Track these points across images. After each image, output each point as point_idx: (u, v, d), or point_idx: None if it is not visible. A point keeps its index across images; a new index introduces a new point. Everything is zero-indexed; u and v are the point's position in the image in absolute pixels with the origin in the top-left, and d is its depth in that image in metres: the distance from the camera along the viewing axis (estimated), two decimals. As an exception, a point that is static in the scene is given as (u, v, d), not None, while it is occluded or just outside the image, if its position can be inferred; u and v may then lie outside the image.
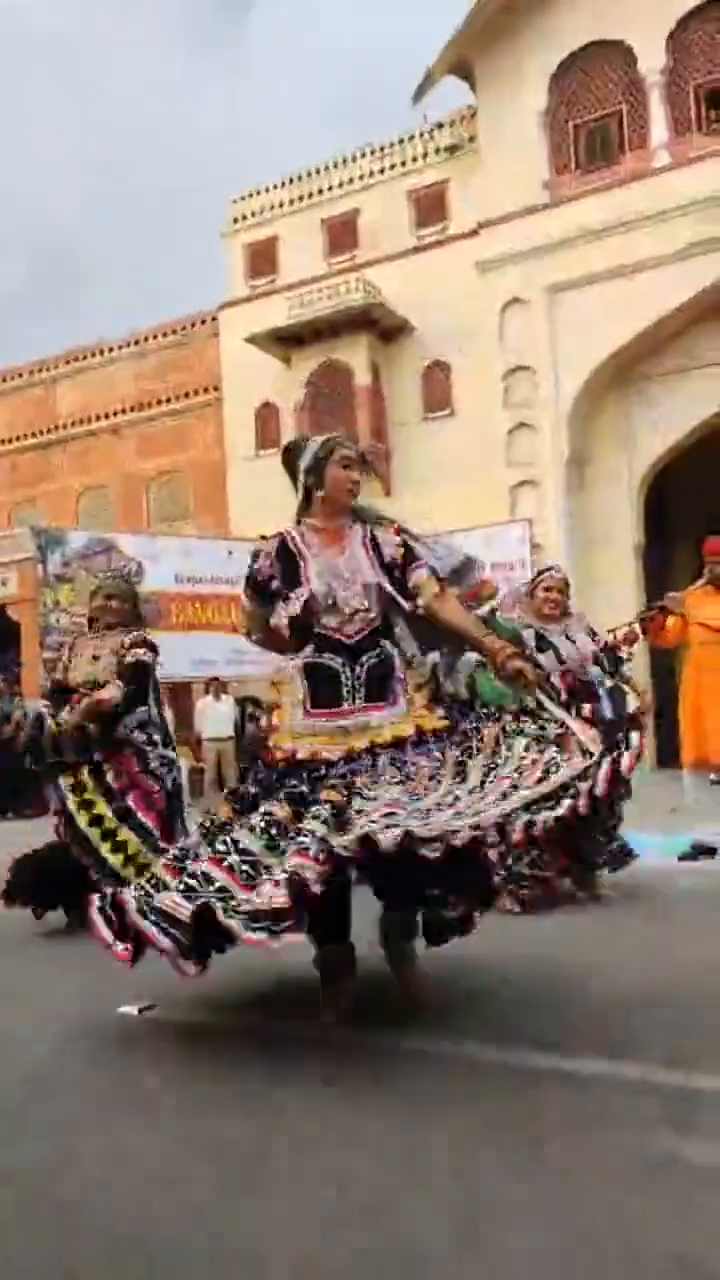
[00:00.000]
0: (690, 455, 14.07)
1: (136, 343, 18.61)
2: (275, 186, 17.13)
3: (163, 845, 3.41)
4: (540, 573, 4.27)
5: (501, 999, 2.55)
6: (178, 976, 2.27)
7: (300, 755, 2.38)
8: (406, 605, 2.53)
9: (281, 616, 2.52)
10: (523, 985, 2.68)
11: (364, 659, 2.46)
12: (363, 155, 16.43)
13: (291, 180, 16.98)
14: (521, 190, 14.28)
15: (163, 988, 2.74)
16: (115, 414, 18.57)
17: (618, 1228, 1.42)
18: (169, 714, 9.08)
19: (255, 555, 2.58)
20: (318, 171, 16.78)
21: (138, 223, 54.96)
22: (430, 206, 15.85)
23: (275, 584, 2.54)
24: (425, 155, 15.91)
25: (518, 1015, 2.41)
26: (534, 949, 3.16)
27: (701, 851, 4.70)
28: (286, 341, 16.05)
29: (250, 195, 17.34)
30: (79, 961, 3.22)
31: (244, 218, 17.35)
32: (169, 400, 18.08)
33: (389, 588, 2.51)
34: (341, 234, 16.55)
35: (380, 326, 15.64)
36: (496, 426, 14.28)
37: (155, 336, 18.45)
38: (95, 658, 3.83)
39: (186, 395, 17.94)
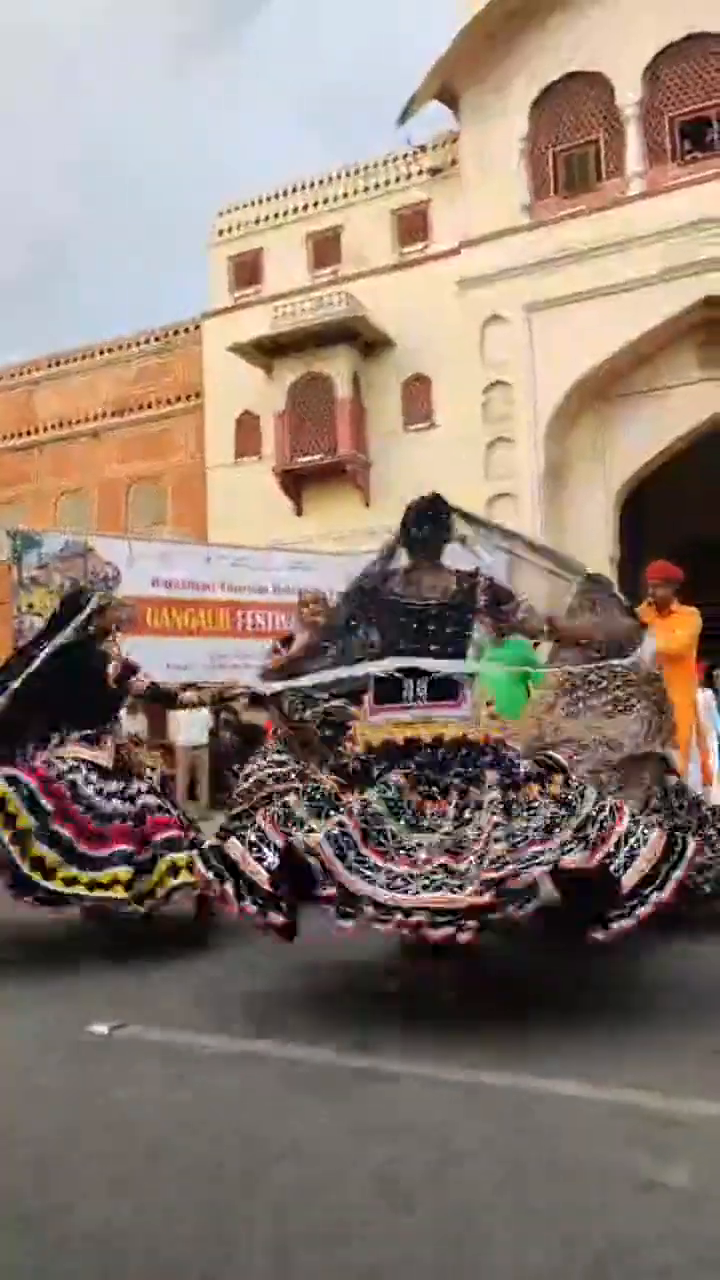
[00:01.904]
0: (666, 472, 14.39)
1: (118, 348, 18.64)
2: (261, 200, 17.32)
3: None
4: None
5: (481, 1020, 2.57)
6: (156, 990, 2.53)
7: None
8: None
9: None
10: (505, 1007, 2.71)
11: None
12: (348, 174, 16.68)
13: (277, 195, 17.18)
14: (502, 212, 14.59)
15: (133, 1007, 2.79)
16: (96, 418, 18.57)
17: (603, 1247, 1.44)
18: (141, 720, 9.07)
19: None
20: (303, 187, 17.00)
21: (125, 226, 54.92)
22: (413, 225, 16.12)
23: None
24: (409, 176, 16.19)
25: (497, 1036, 2.43)
26: (522, 970, 3.20)
27: None
28: (269, 351, 16.18)
29: (236, 208, 17.51)
30: (49, 979, 3.25)
31: (229, 230, 17.51)
32: (150, 406, 18.12)
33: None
34: (325, 249, 16.76)
35: (362, 339, 15.84)
36: (475, 440, 14.51)
37: (137, 343, 18.51)
38: None
39: (167, 402, 18.00)
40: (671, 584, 4.94)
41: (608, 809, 2.74)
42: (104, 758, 3.85)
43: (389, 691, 3.01)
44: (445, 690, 2.99)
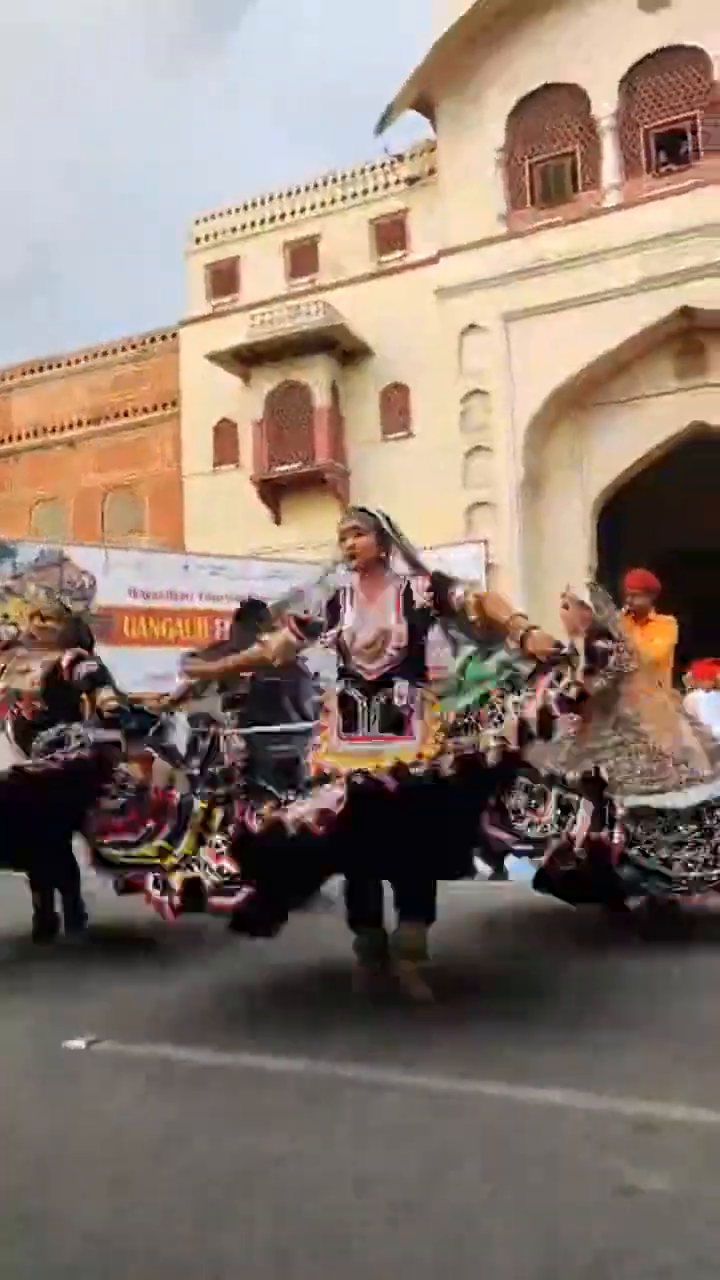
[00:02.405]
0: (643, 481, 14.49)
1: (94, 356, 18.53)
2: (238, 209, 17.31)
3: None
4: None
5: (464, 1028, 2.55)
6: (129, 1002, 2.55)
7: (326, 770, 2.86)
8: (464, 624, 3.05)
9: (316, 648, 3.14)
10: (487, 1012, 2.68)
11: (378, 695, 2.90)
12: (325, 183, 16.72)
13: (254, 203, 17.19)
14: (479, 222, 14.68)
15: (110, 1020, 2.73)
16: (71, 426, 18.43)
17: (597, 1250, 1.44)
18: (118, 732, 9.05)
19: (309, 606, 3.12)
20: (281, 196, 17.01)
21: (116, 229, 54.76)
22: (390, 234, 16.18)
23: (321, 625, 3.09)
24: (386, 185, 16.26)
25: (479, 1044, 2.41)
26: (504, 977, 3.16)
27: None
28: (246, 360, 16.15)
29: (213, 216, 17.50)
30: (21, 992, 3.18)
31: (207, 238, 17.48)
32: (126, 414, 18.02)
33: (403, 634, 2.94)
34: (303, 257, 16.77)
35: (340, 348, 15.86)
36: (454, 448, 14.55)
37: (114, 351, 18.41)
38: (25, 671, 3.94)
39: (144, 410, 17.91)
40: (650, 593, 4.98)
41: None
42: None
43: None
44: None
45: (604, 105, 14.10)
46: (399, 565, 3.07)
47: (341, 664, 2.98)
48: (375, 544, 3.02)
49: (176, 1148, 1.89)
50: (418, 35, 17.29)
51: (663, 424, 14.07)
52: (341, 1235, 1.52)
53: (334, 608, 3.05)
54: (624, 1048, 2.35)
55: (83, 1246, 1.51)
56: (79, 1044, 2.53)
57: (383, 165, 16.31)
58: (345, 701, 2.93)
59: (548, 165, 14.74)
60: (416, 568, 3.05)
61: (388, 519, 3.05)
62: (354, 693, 2.91)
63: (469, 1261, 1.44)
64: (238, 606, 4.98)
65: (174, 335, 17.68)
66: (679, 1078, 2.14)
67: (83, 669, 3.85)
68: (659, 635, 5.02)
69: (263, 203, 17.12)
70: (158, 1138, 1.93)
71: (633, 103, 14.11)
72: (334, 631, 2.98)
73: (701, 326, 13.66)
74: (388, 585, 3.02)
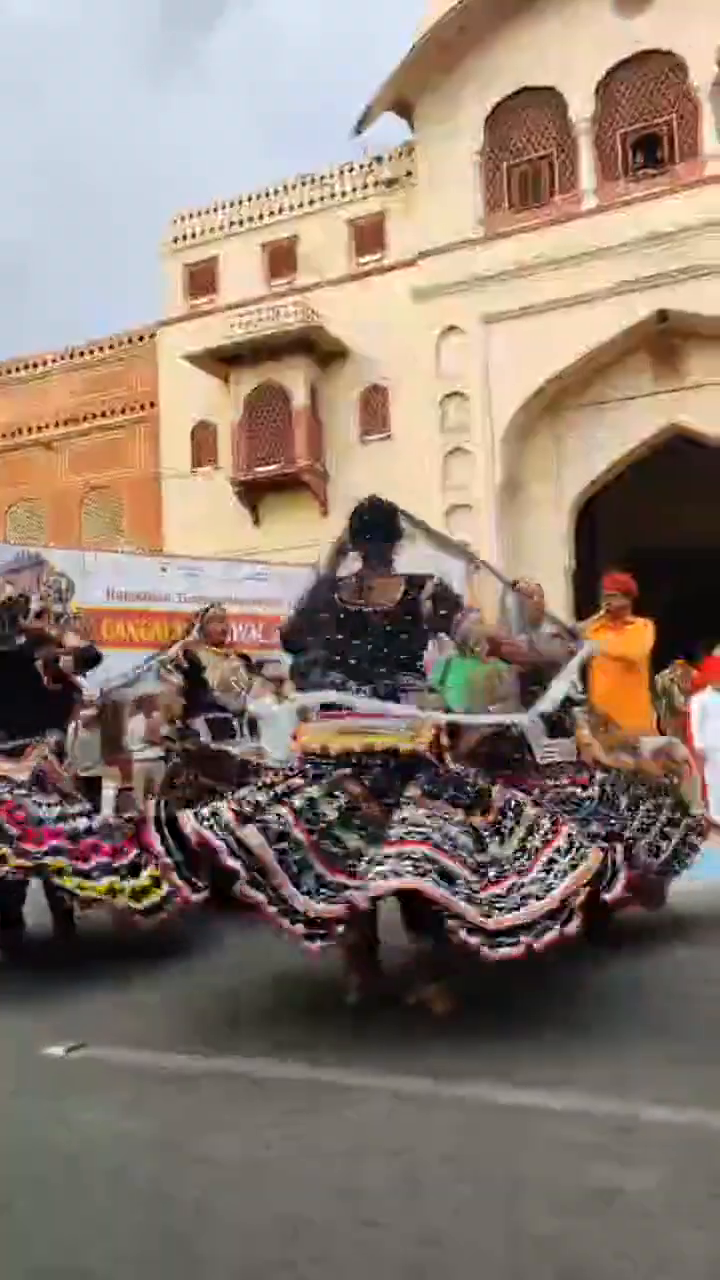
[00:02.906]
0: (619, 483, 14.59)
1: (71, 357, 18.38)
2: (217, 209, 17.23)
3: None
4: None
5: (449, 1031, 2.54)
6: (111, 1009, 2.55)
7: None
8: None
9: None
10: (471, 1016, 2.67)
11: None
12: (303, 184, 16.68)
13: (233, 204, 17.12)
14: (456, 224, 14.72)
15: (90, 1026, 2.72)
16: (48, 427, 18.25)
17: (580, 1252, 1.43)
18: (96, 733, 8.91)
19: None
20: (259, 196, 16.95)
21: (80, 235, 54.33)
22: (369, 236, 16.17)
23: None
24: (365, 186, 16.25)
25: (458, 1047, 2.41)
26: (486, 976, 3.11)
27: None
28: (224, 361, 16.09)
29: (191, 216, 17.40)
30: (4, 1003, 3.14)
31: (185, 238, 17.39)
32: (103, 415, 17.87)
33: None
34: (281, 258, 16.73)
35: (318, 350, 15.82)
36: (432, 450, 14.57)
37: (91, 351, 18.26)
38: None
39: (122, 411, 17.78)
40: (628, 596, 5.01)
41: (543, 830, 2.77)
42: (20, 773, 3.70)
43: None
44: (391, 699, 2.89)
45: (580, 108, 14.19)
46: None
47: None
48: None
49: (156, 1153, 1.87)
50: (398, 34, 17.32)
51: (640, 426, 14.17)
52: (321, 1237, 1.52)
53: None
54: (608, 1049, 2.36)
55: (68, 1251, 1.51)
56: (58, 1051, 2.51)
57: (360, 167, 16.31)
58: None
59: (525, 168, 14.80)
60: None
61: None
62: None
63: (450, 1263, 1.44)
64: (198, 610, 4.99)
65: (152, 336, 17.58)
66: (664, 1078, 2.15)
67: None
68: (637, 638, 5.06)
69: (241, 203, 17.06)
70: (140, 1144, 1.91)
71: (609, 106, 14.21)
72: None
73: (678, 330, 13.78)
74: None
